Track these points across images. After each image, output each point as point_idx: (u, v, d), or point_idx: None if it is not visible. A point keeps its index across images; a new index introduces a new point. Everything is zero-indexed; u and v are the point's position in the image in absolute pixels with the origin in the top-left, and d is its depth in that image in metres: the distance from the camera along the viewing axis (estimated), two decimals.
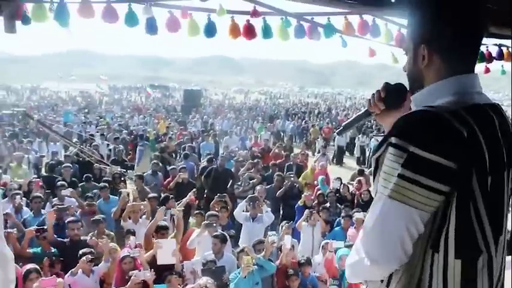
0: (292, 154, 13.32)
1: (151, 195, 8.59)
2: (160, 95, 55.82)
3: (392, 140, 1.21)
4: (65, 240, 6.52)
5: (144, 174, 10.71)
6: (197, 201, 9.49)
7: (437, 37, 1.32)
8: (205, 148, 15.05)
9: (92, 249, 5.91)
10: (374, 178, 1.33)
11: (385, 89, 1.52)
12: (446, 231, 1.19)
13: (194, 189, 8.91)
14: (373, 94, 1.56)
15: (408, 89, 1.50)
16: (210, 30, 2.75)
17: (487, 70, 5.05)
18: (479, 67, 4.52)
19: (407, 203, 1.17)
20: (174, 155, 13.90)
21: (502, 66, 5.22)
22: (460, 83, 1.31)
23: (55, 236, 6.49)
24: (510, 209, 1.38)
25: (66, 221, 6.76)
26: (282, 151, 13.99)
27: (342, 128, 1.84)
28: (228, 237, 6.96)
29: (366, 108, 1.62)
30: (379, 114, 1.58)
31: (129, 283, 5.32)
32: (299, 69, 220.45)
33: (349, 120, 1.77)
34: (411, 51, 1.39)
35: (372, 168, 1.36)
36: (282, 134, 24.24)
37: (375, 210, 1.25)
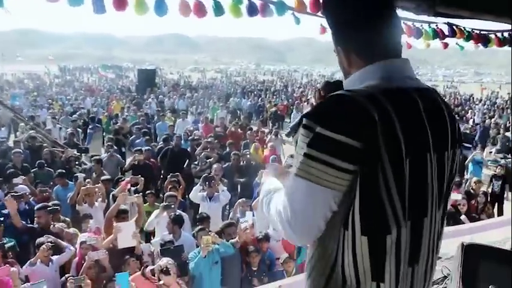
0: (248, 132, 13.38)
1: (104, 177, 8.51)
2: (114, 76, 54.42)
3: (304, 121, 1.24)
4: (35, 226, 6.44)
5: (102, 157, 10.55)
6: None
7: (345, 38, 1.38)
8: (162, 128, 14.92)
9: (50, 237, 5.82)
10: None
11: (324, 87, 1.62)
12: (353, 208, 1.21)
13: (139, 176, 8.63)
14: (314, 92, 1.65)
15: None
16: (161, 8, 2.71)
17: (446, 45, 5.16)
18: (435, 43, 4.70)
19: (313, 181, 1.19)
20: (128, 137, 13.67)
21: (457, 43, 5.36)
22: (385, 68, 1.32)
23: (22, 222, 6.41)
24: (449, 188, 1.43)
25: (35, 208, 6.66)
26: (238, 129, 14.05)
27: (289, 130, 1.88)
28: (186, 217, 7.01)
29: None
30: None
31: (84, 264, 5.32)
32: (255, 46, 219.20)
33: (295, 121, 1.82)
34: (336, 52, 1.43)
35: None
36: (239, 112, 24.24)
37: (286, 188, 1.30)
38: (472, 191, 9.18)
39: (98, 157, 10.11)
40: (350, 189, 1.21)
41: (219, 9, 2.84)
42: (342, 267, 1.27)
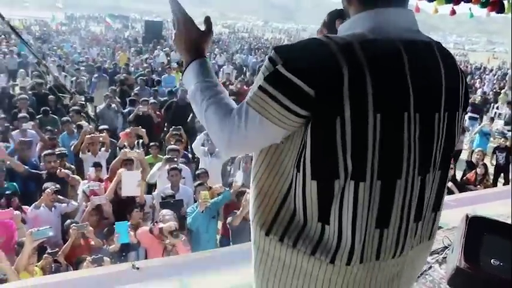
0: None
1: (102, 127, 8.48)
2: (121, 26, 53.69)
3: (271, 53, 1.20)
4: (42, 172, 6.49)
5: (101, 107, 10.50)
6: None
7: None
8: (167, 81, 14.80)
9: (55, 183, 5.86)
10: None
11: (328, 15, 1.59)
12: (304, 153, 1.21)
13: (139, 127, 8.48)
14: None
15: None
16: None
17: (453, 12, 4.95)
18: (445, 8, 4.50)
19: (262, 114, 1.19)
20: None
21: (470, 9, 5.16)
22: (378, 16, 1.24)
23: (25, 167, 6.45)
24: (446, 154, 1.33)
25: (42, 154, 6.74)
26: (244, 86, 13.93)
27: None
28: (187, 170, 7.03)
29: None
30: None
31: (86, 209, 5.37)
32: (264, 2, 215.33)
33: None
34: None
35: None
36: (245, 68, 24.02)
37: (236, 109, 1.27)
38: (474, 161, 9.15)
39: (77, 108, 9.96)
40: (301, 132, 1.21)
41: None
42: (294, 203, 1.28)
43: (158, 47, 26.49)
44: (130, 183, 5.75)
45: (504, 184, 9.95)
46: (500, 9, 4.47)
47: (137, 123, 8.85)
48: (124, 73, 15.12)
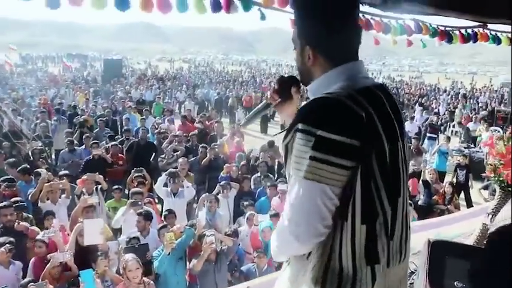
0: (216, 124, 13.25)
1: (62, 172, 8.25)
2: (79, 65, 53.17)
3: (299, 126, 1.33)
4: None
5: (61, 151, 10.25)
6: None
7: (318, 39, 1.46)
8: (130, 121, 14.59)
9: (11, 238, 5.58)
10: (285, 163, 1.48)
11: (278, 82, 1.69)
12: (353, 201, 1.34)
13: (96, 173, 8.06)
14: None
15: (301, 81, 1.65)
16: (122, 2, 2.59)
17: (410, 43, 5.23)
18: (401, 39, 4.73)
19: (320, 181, 1.30)
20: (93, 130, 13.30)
21: (421, 40, 5.41)
22: (348, 70, 1.45)
23: None
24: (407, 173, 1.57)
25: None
26: (206, 121, 13.89)
27: (245, 120, 2.06)
28: (153, 213, 6.88)
29: (265, 101, 1.77)
30: (276, 106, 1.74)
31: (47, 266, 5.14)
32: (223, 36, 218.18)
33: (251, 113, 1.90)
34: (298, 48, 1.53)
35: (283, 155, 1.50)
36: (207, 103, 24.04)
37: (292, 193, 1.37)
38: (428, 180, 9.35)
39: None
40: (348, 183, 1.34)
41: (182, 5, 2.75)
42: (340, 256, 1.38)
43: (118, 85, 26.28)
44: (93, 232, 5.57)
45: (466, 202, 10.19)
46: (449, 39, 4.69)
47: (90, 169, 8.54)
48: (83, 114, 14.86)
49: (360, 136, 1.30)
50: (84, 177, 7.81)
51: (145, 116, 14.25)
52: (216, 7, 2.86)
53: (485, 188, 10.63)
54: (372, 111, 1.35)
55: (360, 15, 3.57)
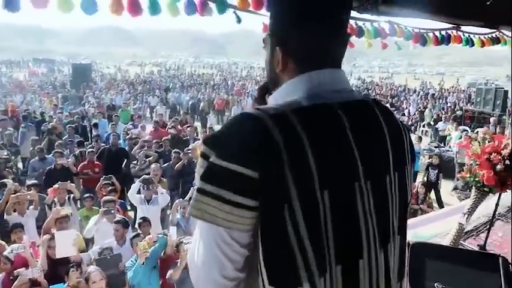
0: (188, 128, 13.11)
1: (30, 182, 7.99)
2: (46, 70, 52.08)
3: (201, 147, 1.03)
4: None
5: (31, 160, 9.96)
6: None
7: (289, 38, 1.15)
8: (102, 126, 14.32)
9: None
10: None
11: (259, 90, 1.39)
12: (258, 253, 1.01)
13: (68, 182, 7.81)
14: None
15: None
16: (89, 5, 2.48)
17: (384, 46, 5.22)
18: (375, 41, 4.76)
19: (213, 221, 0.99)
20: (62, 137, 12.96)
21: (396, 43, 5.45)
22: (312, 79, 1.13)
23: None
24: (402, 218, 1.23)
25: None
26: (178, 125, 13.75)
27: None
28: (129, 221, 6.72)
29: None
30: None
31: (15, 283, 4.93)
32: (194, 39, 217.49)
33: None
34: (268, 49, 1.22)
35: None
36: (178, 107, 23.85)
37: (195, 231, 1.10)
38: None
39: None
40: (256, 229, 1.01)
41: (154, 8, 2.65)
42: None
43: (87, 90, 25.83)
44: (65, 243, 5.40)
45: (437, 201, 10.35)
46: (423, 41, 4.72)
47: (52, 178, 8.24)
48: (51, 121, 14.50)
49: (262, 166, 0.95)
50: (56, 186, 7.57)
51: (115, 122, 13.97)
52: (190, 9, 2.77)
53: (455, 188, 10.88)
54: (304, 139, 0.99)
55: None
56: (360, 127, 1.10)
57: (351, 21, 3.74)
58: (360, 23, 3.93)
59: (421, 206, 8.76)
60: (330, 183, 1.01)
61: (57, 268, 5.37)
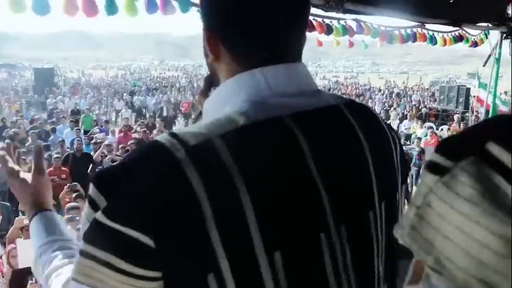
0: (154, 132, 12.95)
1: None
2: (7, 75, 50.68)
3: (90, 190, 0.71)
4: None
5: None
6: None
7: (221, 19, 0.81)
8: (62, 132, 14.00)
9: None
10: None
11: (204, 81, 1.03)
12: None
13: None
14: None
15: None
16: (41, 6, 2.37)
17: (351, 44, 5.24)
18: (341, 40, 4.76)
19: None
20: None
21: (363, 40, 5.46)
22: (254, 82, 0.78)
23: None
24: (391, 263, 0.90)
25: None
26: (144, 129, 13.55)
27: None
28: None
29: (198, 108, 1.30)
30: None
31: None
32: (159, 42, 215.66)
33: (189, 124, 1.61)
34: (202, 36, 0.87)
35: None
36: (144, 110, 23.53)
37: None
38: None
39: None
40: None
41: (111, 7, 2.55)
42: None
43: (50, 95, 25.25)
44: (28, 253, 5.21)
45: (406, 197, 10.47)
46: (389, 39, 4.78)
47: None
48: (13, 127, 14.10)
49: (163, 229, 0.65)
50: None
51: (80, 127, 13.69)
52: (151, 8, 2.68)
53: None
54: (238, 183, 0.66)
55: None
56: (325, 148, 0.77)
57: (318, 19, 3.75)
58: (328, 21, 3.94)
59: None
60: (282, 241, 0.70)
61: (22, 278, 5.21)
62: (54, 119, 16.45)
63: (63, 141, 11.47)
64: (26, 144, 11.91)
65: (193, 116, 1.19)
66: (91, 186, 0.70)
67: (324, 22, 3.85)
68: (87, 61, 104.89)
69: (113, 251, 0.68)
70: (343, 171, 0.78)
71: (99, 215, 0.68)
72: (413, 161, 11.46)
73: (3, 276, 5.30)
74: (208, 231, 0.65)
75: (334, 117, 0.82)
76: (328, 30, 3.95)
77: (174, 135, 0.70)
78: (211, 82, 0.91)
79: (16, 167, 1.17)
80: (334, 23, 4.04)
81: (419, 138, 13.26)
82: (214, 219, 0.65)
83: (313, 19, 3.69)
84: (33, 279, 5.09)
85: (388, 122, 13.76)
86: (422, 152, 11.83)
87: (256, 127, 0.72)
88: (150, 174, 0.66)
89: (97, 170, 9.66)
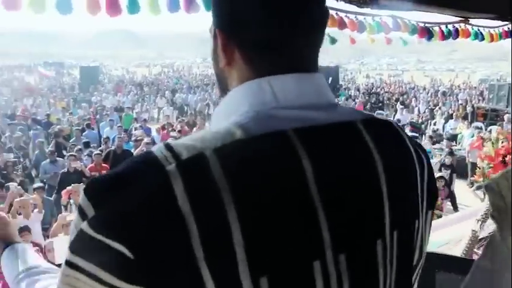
0: (195, 129, 13.05)
1: (36, 185, 8.02)
2: (56, 73, 52.40)
3: (80, 198, 0.68)
4: None
5: (42, 163, 9.98)
6: None
7: (236, 19, 0.76)
8: (104, 128, 14.32)
9: None
10: None
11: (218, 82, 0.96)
12: None
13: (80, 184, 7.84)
14: None
15: None
16: (64, 5, 2.37)
17: (388, 41, 5.07)
18: (380, 37, 4.61)
19: None
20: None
21: (401, 37, 5.26)
22: (261, 91, 0.73)
23: None
24: None
25: None
26: (185, 126, 13.70)
27: None
28: None
29: None
30: None
31: None
32: (202, 40, 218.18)
33: None
34: (211, 40, 0.83)
35: None
36: (186, 107, 23.82)
37: None
38: None
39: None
40: None
41: (133, 6, 2.53)
42: None
43: (95, 92, 25.93)
44: (64, 249, 5.39)
45: (451, 203, 10.10)
46: (429, 36, 4.55)
47: (65, 182, 8.26)
48: (59, 124, 14.58)
49: (145, 243, 0.62)
50: (69, 188, 7.62)
51: (121, 124, 13.99)
52: (174, 6, 2.63)
53: (479, 188, 10.42)
54: (226, 202, 0.62)
55: (333, 12, 3.39)
56: (330, 168, 0.70)
57: (351, 16, 3.60)
58: (361, 18, 3.78)
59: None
60: (270, 266, 0.64)
61: None
62: (98, 116, 16.88)
63: (107, 138, 11.74)
64: (70, 141, 12.27)
65: None
66: (81, 194, 0.68)
67: (357, 19, 3.71)
68: (131, 59, 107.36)
69: (97, 263, 0.66)
70: (348, 194, 0.71)
71: (85, 225, 0.66)
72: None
73: None
74: (193, 249, 0.62)
75: (345, 134, 0.75)
76: (361, 27, 3.79)
77: (169, 147, 0.67)
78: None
79: None
80: (368, 19, 3.90)
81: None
82: (200, 237, 0.62)
83: (346, 15, 3.55)
84: None
85: (433, 121, 13.22)
86: (451, 153, 11.34)
87: (254, 141, 0.67)
88: (139, 187, 0.64)
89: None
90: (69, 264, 0.69)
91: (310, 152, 0.68)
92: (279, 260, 0.65)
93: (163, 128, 13.73)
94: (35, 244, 5.98)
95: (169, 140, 0.73)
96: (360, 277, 0.71)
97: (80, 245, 0.68)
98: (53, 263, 4.06)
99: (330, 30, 3.67)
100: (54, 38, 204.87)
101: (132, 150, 10.90)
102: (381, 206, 0.73)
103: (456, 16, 3.99)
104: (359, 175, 0.73)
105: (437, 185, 6.39)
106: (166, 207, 0.62)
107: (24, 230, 6.26)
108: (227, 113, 0.74)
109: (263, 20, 0.73)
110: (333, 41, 4.19)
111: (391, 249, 0.75)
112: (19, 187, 7.73)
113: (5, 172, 9.53)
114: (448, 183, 9.99)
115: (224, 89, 0.81)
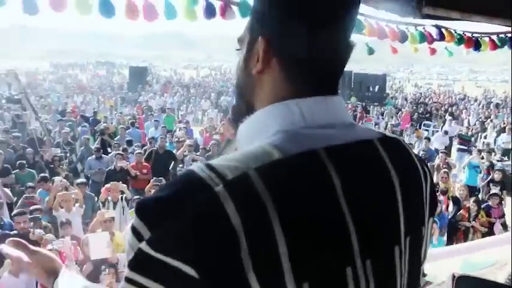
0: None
1: (79, 180, 8.26)
2: (106, 72, 53.97)
3: (134, 220, 0.74)
4: (12, 233, 6.06)
5: (88, 159, 10.27)
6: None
7: (282, 32, 0.81)
8: (149, 128, 14.60)
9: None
10: None
11: (231, 109, 1.03)
12: None
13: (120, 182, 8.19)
14: None
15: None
16: (106, 9, 2.43)
17: (433, 51, 4.87)
18: (423, 47, 4.47)
19: None
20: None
21: (446, 48, 5.10)
22: (289, 113, 0.80)
23: None
24: None
25: (12, 214, 6.52)
26: (227, 129, 13.76)
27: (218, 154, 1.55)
28: None
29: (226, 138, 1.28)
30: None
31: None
32: None
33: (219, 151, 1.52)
34: (245, 44, 0.88)
35: None
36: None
37: None
38: (458, 196, 8.89)
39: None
40: None
41: (170, 12, 2.57)
42: None
43: (143, 92, 26.48)
44: (99, 246, 5.56)
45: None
46: (476, 46, 4.37)
47: (111, 180, 8.49)
48: (105, 121, 14.97)
49: (206, 261, 0.68)
50: (108, 185, 7.88)
51: (165, 124, 14.22)
52: (210, 13, 2.65)
53: None
54: (271, 217, 0.69)
55: (373, 21, 3.30)
56: (356, 183, 0.78)
57: (392, 25, 3.49)
58: (403, 27, 3.66)
59: (472, 223, 8.24)
60: (310, 273, 0.72)
61: (95, 270, 5.51)
62: (143, 116, 17.23)
63: (152, 138, 11.93)
64: (115, 139, 12.58)
65: (222, 144, 1.16)
66: (135, 216, 0.74)
67: (398, 28, 3.59)
68: (180, 60, 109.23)
69: (156, 279, 0.71)
70: (372, 206, 0.80)
71: (144, 245, 0.71)
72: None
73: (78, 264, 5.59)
74: (242, 260, 0.68)
75: (366, 151, 0.84)
76: (403, 37, 3.66)
77: (211, 167, 0.72)
78: (241, 111, 0.90)
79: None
80: (411, 29, 3.76)
81: None
82: (249, 249, 0.68)
83: (386, 25, 3.44)
84: (107, 270, 5.31)
85: (484, 134, 12.65)
86: (491, 166, 10.85)
87: (291, 160, 0.74)
88: (190, 207, 0.69)
89: (179, 167, 10.00)
90: (128, 280, 0.74)
91: (338, 169, 0.76)
92: (317, 267, 0.72)
93: (206, 130, 13.87)
94: (74, 237, 6.16)
95: (209, 161, 0.76)
96: (382, 280, 0.80)
97: (138, 263, 0.73)
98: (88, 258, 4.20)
99: (369, 40, 3.59)
100: (110, 39, 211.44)
101: (174, 151, 11.05)
102: (397, 215, 0.83)
103: (506, 25, 3.80)
104: (379, 188, 0.82)
105: (491, 203, 6.00)
106: (220, 225, 0.68)
107: (65, 223, 6.48)
108: (256, 133, 0.82)
109: (306, 31, 0.79)
110: (371, 50, 4.12)
111: (404, 254, 0.85)
112: (64, 180, 7.98)
113: (52, 166, 9.90)
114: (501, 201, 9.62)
115: (247, 99, 0.87)
